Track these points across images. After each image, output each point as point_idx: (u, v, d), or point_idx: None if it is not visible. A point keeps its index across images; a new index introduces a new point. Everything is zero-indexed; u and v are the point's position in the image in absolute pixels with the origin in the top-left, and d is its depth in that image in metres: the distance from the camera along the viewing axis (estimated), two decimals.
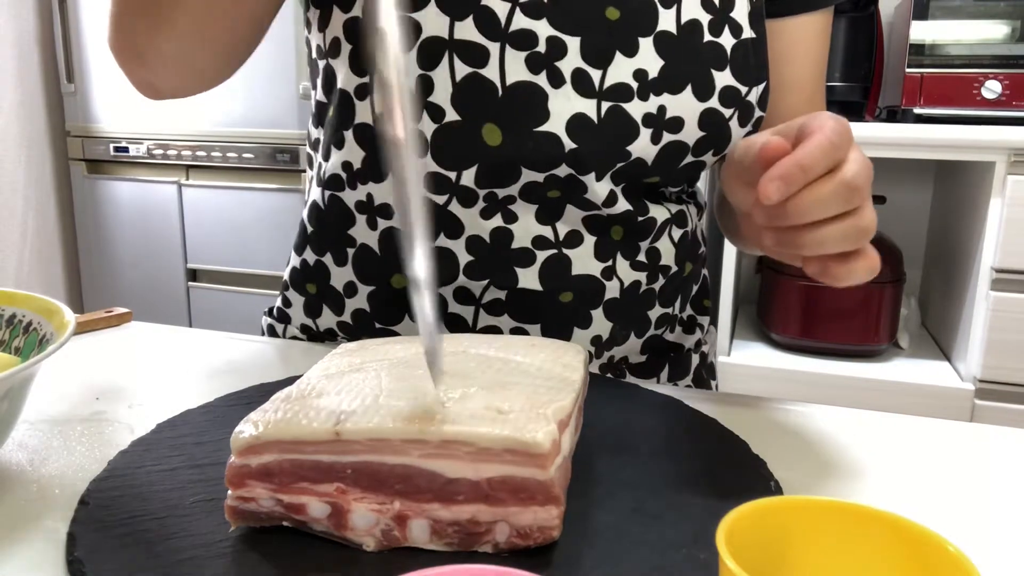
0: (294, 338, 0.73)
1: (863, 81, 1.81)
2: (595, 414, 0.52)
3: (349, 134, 0.61)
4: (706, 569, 0.36)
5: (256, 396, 0.55)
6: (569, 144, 0.58)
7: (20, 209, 2.38)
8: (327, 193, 0.65)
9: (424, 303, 0.38)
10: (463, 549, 0.37)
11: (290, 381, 0.57)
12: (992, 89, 1.59)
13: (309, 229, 0.68)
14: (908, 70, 1.63)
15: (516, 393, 0.40)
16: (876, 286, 1.70)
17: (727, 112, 0.61)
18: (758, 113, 0.63)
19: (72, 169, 2.46)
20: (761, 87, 0.62)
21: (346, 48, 0.59)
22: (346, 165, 0.63)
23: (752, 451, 0.47)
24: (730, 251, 1.76)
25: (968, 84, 1.60)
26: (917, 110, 1.63)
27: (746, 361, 1.75)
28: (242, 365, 0.64)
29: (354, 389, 0.41)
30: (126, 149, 2.35)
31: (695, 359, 0.73)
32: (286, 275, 0.73)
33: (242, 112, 2.17)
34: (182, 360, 0.65)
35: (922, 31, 1.62)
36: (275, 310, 0.75)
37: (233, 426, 0.49)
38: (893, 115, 1.68)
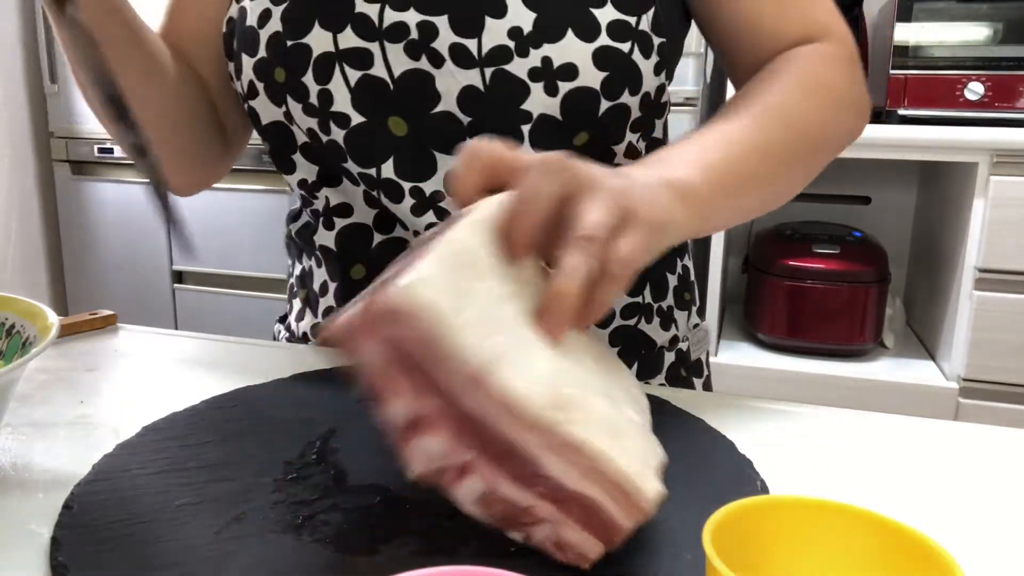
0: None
1: None
2: None
3: (298, 156, 0.65)
4: (693, 568, 0.36)
5: (242, 399, 0.54)
6: (464, 118, 0.59)
7: (3, 211, 2.36)
8: (301, 208, 0.71)
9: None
10: (496, 526, 0.36)
11: (278, 383, 0.57)
12: (975, 91, 1.60)
13: (297, 240, 0.72)
14: (892, 71, 1.64)
15: (627, 421, 0.38)
16: (862, 286, 1.71)
17: (623, 47, 0.58)
18: (657, 40, 0.60)
19: (56, 171, 2.44)
20: (650, 13, 0.60)
21: (260, 86, 0.62)
22: (302, 183, 0.67)
23: (738, 450, 0.48)
24: (717, 251, 1.76)
25: (951, 85, 1.61)
26: (901, 111, 1.64)
27: (732, 361, 1.75)
28: (228, 368, 0.64)
29: (501, 315, 0.36)
30: (111, 150, 2.34)
31: (669, 357, 0.71)
32: (292, 282, 0.76)
33: None
34: (167, 363, 0.65)
35: (906, 33, 1.64)
36: (285, 316, 0.78)
37: (219, 429, 0.49)
38: (877, 116, 1.69)
